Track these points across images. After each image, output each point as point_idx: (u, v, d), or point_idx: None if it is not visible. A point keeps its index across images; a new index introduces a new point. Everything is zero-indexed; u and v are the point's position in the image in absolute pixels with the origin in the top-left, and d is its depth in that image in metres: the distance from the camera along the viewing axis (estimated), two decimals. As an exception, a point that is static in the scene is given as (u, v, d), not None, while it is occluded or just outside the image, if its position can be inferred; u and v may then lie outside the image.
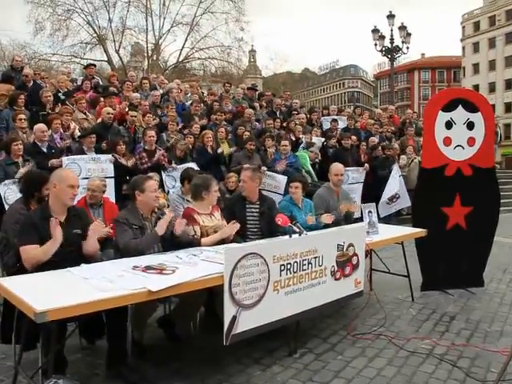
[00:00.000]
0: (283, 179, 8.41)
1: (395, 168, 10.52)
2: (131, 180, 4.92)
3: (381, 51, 20.76)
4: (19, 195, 6.30)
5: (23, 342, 3.49)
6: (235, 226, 4.72)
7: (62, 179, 3.99)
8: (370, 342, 4.55)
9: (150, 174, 6.50)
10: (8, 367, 4.00)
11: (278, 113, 12.32)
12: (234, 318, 3.60)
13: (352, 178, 10.00)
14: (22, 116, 7.70)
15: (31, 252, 3.75)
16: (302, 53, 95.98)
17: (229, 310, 3.56)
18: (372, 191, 10.05)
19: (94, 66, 12.97)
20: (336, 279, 4.51)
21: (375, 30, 20.67)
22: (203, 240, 4.63)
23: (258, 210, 5.28)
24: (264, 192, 6.26)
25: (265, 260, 3.76)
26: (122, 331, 3.82)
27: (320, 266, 4.31)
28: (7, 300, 3.47)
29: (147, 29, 31.60)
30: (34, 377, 3.53)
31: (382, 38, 20.61)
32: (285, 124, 11.45)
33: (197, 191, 4.92)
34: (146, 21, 31.42)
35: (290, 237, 4.33)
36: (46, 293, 3.16)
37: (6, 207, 6.39)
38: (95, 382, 3.77)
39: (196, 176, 5.53)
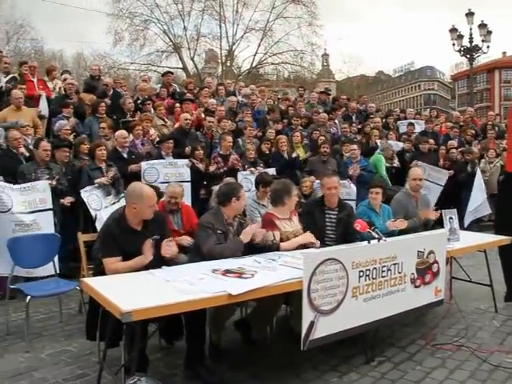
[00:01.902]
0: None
1: (479, 176, 10.09)
2: (225, 185, 4.98)
3: (459, 51, 20.06)
4: (103, 201, 6.63)
5: (107, 339, 3.64)
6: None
7: (142, 200, 3.96)
8: (450, 353, 4.38)
9: (227, 179, 6.59)
10: (92, 363, 4.17)
11: (353, 117, 12.18)
12: (311, 324, 3.59)
13: (428, 175, 9.47)
14: (104, 124, 8.06)
15: (113, 265, 3.88)
16: (376, 55, 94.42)
17: (307, 315, 3.55)
18: (451, 196, 9.72)
19: (172, 73, 13.30)
20: (416, 287, 4.40)
21: (453, 30, 19.98)
22: (282, 244, 4.63)
23: (336, 217, 5.21)
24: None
25: (344, 266, 3.73)
26: (201, 333, 3.90)
27: (399, 272, 4.22)
28: (92, 299, 3.65)
29: (221, 35, 32.11)
30: (117, 373, 3.67)
31: (461, 37, 19.91)
32: (360, 127, 11.31)
33: (278, 196, 4.89)
34: (220, 28, 31.94)
35: (369, 243, 4.27)
36: (130, 293, 3.28)
37: (92, 212, 6.71)
38: (174, 382, 3.86)
39: (275, 181, 5.52)
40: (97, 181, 6.83)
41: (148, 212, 4.00)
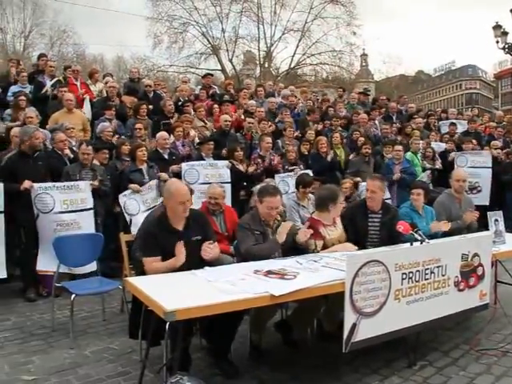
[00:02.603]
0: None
1: None
2: (261, 187, 4.96)
3: (503, 48, 19.53)
4: (141, 205, 6.73)
5: (149, 338, 3.69)
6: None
7: (171, 196, 4.03)
8: (496, 359, 4.26)
9: (266, 180, 6.60)
10: (134, 361, 4.24)
11: (394, 117, 12.03)
12: (353, 326, 3.56)
13: (471, 162, 9.52)
14: (139, 125, 8.14)
15: (153, 265, 3.92)
16: (415, 55, 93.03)
17: (349, 318, 3.53)
18: (495, 198, 9.49)
19: (211, 75, 13.39)
20: (460, 290, 4.31)
21: (497, 27, 19.45)
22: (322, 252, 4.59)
23: (380, 220, 5.11)
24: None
25: (386, 268, 3.69)
26: (233, 332, 3.96)
27: (443, 275, 4.14)
28: (136, 298, 3.70)
29: (259, 37, 32.27)
30: (159, 372, 3.72)
31: (505, 34, 19.38)
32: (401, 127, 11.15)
33: (323, 203, 4.83)
34: (258, 29, 32.09)
35: (411, 245, 4.21)
36: (173, 293, 3.31)
37: (127, 217, 6.82)
38: (216, 382, 3.87)
39: (323, 186, 5.48)
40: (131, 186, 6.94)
41: (179, 209, 4.00)
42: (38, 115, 7.39)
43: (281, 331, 4.53)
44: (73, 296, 4.63)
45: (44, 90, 8.86)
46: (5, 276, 5.90)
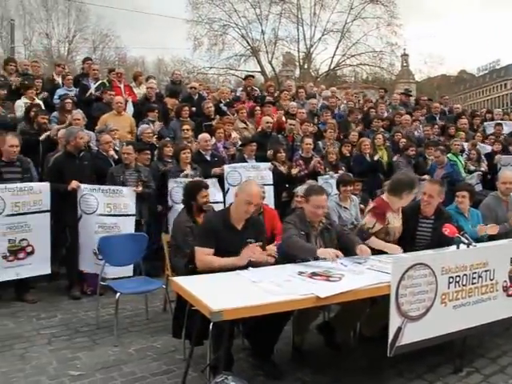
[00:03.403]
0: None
1: None
2: (307, 187, 4.95)
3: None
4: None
5: (194, 338, 3.72)
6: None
7: (242, 191, 4.11)
8: (547, 369, 4.13)
9: (308, 182, 6.56)
10: (177, 359, 4.28)
11: (437, 118, 11.82)
12: (399, 329, 3.50)
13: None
14: (187, 126, 8.24)
15: (206, 256, 3.93)
16: (458, 54, 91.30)
17: (394, 321, 3.47)
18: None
19: (253, 76, 13.39)
20: (508, 295, 4.19)
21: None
22: (372, 239, 4.55)
23: (432, 226, 4.87)
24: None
25: (433, 271, 3.61)
26: (278, 333, 3.95)
27: (491, 280, 4.03)
28: (179, 298, 3.74)
29: (298, 38, 32.32)
30: (203, 371, 3.76)
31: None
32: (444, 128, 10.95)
33: (398, 188, 4.66)
34: (298, 30, 32.15)
35: (458, 248, 4.13)
36: (218, 293, 3.31)
37: (169, 202, 6.93)
38: (258, 382, 3.88)
39: (402, 171, 5.35)
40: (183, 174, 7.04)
41: (243, 207, 4.04)
42: (84, 117, 7.56)
43: (323, 333, 4.49)
44: (117, 295, 4.71)
45: (88, 93, 9.07)
46: (49, 272, 6.05)
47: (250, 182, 4.50)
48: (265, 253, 4.09)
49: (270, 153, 8.18)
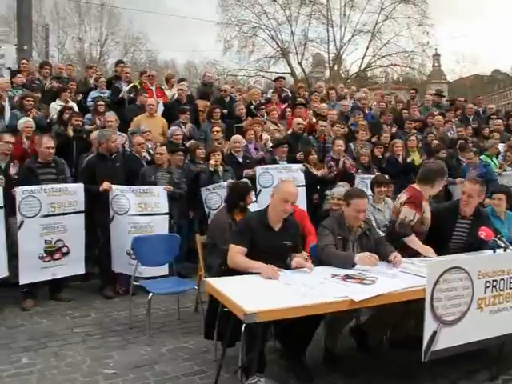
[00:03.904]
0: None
1: None
2: (348, 190, 4.93)
3: None
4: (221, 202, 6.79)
5: (226, 339, 3.72)
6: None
7: (279, 191, 4.09)
8: None
9: (340, 183, 6.51)
10: (209, 360, 4.30)
11: (471, 119, 11.63)
12: (434, 334, 3.45)
13: None
14: (217, 128, 8.28)
15: (236, 255, 3.92)
16: (492, 54, 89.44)
17: (429, 325, 3.42)
18: None
19: (284, 78, 13.37)
20: (547, 301, 4.09)
21: None
22: (411, 238, 4.50)
23: (469, 227, 4.77)
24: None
25: (469, 275, 3.54)
26: (311, 336, 3.93)
27: (529, 285, 3.93)
28: (212, 299, 3.75)
29: (328, 39, 32.19)
30: (235, 372, 3.76)
31: None
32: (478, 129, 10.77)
33: (431, 176, 4.64)
34: (328, 32, 32.01)
35: (494, 251, 4.04)
36: (252, 295, 3.31)
37: (206, 210, 6.95)
38: (290, 385, 3.86)
39: (432, 161, 5.29)
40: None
41: (280, 206, 4.01)
42: (117, 119, 7.67)
43: (355, 337, 4.46)
44: (150, 295, 4.75)
45: (120, 95, 9.19)
46: (83, 272, 6.17)
47: (286, 181, 4.54)
48: (309, 264, 3.99)
49: (299, 155, 8.15)
